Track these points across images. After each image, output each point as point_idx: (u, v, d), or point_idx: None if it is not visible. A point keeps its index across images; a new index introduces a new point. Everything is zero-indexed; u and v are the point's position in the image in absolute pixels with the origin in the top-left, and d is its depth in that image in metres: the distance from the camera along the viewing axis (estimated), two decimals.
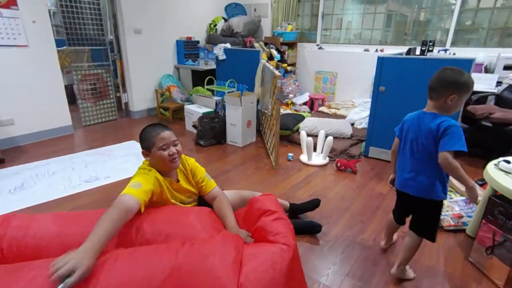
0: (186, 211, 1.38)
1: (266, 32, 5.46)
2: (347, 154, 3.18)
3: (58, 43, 3.69)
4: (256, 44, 4.77)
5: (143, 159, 1.45)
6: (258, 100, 3.63)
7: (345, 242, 1.87)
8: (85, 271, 0.90)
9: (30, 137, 3.44)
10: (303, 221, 2.01)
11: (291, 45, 5.31)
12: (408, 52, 3.43)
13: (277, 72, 2.68)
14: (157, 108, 4.49)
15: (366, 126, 3.52)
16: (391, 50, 4.27)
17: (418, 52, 3.66)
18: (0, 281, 0.91)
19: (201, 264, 1.01)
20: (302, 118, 3.94)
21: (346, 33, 5.04)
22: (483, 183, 2.40)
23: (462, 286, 1.55)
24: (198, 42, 4.98)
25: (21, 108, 3.31)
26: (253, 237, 1.32)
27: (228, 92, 3.66)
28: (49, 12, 3.51)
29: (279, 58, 4.92)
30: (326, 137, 3.05)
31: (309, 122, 3.74)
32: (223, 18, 5.23)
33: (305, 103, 4.94)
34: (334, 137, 3.19)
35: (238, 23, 4.83)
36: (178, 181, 1.48)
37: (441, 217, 1.86)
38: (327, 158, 3.03)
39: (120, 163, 2.97)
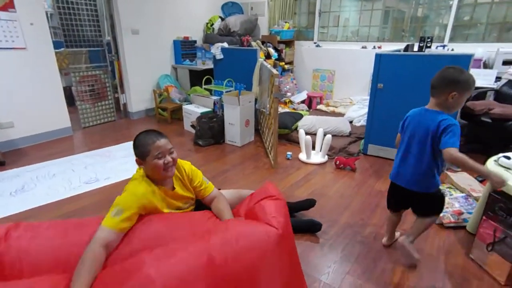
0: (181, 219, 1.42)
1: (263, 30, 5.45)
2: (346, 152, 3.17)
3: (56, 45, 3.69)
4: (253, 43, 4.75)
5: None
6: (256, 99, 3.62)
7: (345, 240, 1.87)
8: None
9: (29, 139, 3.43)
10: (303, 219, 2.01)
11: (289, 43, 5.30)
12: (406, 49, 3.43)
13: (274, 71, 2.67)
14: (155, 108, 4.48)
15: (364, 123, 3.51)
16: (389, 47, 4.25)
17: (416, 48, 3.65)
18: None
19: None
20: (300, 116, 3.94)
21: (343, 30, 5.03)
22: (482, 179, 2.40)
23: (463, 283, 1.54)
24: (195, 41, 4.97)
25: (20, 110, 3.31)
26: (246, 217, 1.35)
27: (226, 92, 3.66)
28: (47, 14, 3.49)
29: (277, 57, 4.90)
30: (324, 135, 3.05)
31: (308, 121, 3.74)
32: (220, 17, 5.21)
33: (303, 102, 4.94)
34: (333, 135, 3.19)
35: (235, 22, 4.81)
36: (173, 188, 1.44)
37: (441, 214, 1.87)
38: (326, 156, 3.03)
39: (120, 164, 2.97)
